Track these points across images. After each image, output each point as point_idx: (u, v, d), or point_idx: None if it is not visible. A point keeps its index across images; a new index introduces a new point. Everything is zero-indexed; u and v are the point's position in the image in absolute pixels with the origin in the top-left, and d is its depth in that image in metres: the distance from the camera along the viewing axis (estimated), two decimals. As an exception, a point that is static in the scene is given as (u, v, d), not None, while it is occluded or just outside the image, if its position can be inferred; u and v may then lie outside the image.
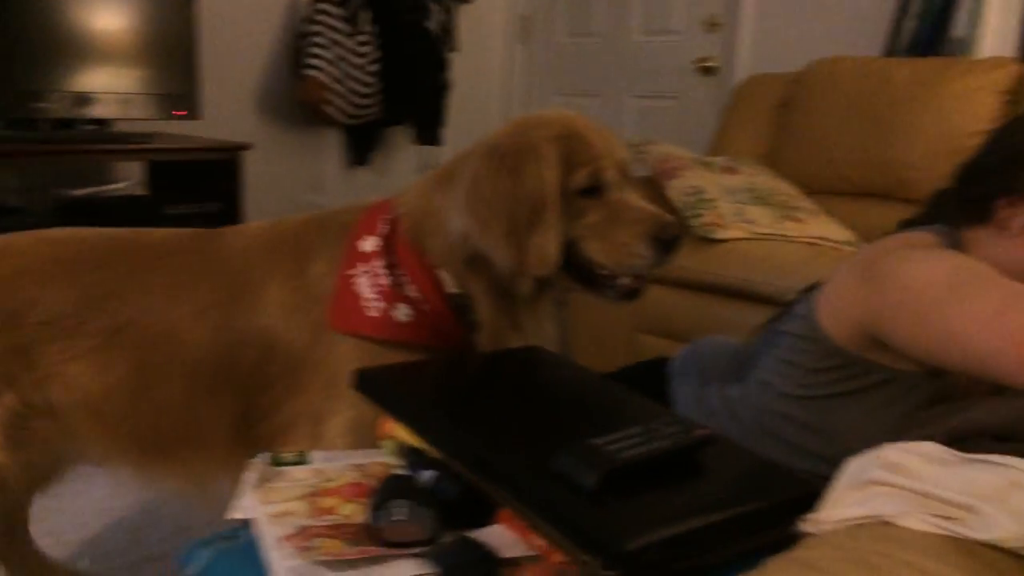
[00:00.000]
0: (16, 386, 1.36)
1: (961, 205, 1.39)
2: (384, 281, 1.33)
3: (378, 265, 1.34)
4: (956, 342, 1.16)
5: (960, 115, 2.72)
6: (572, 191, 1.32)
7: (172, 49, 2.99)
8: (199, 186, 2.95)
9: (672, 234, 1.32)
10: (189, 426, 1.40)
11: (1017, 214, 1.31)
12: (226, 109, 3.52)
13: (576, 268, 1.37)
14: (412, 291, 1.34)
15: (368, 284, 1.33)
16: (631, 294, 1.38)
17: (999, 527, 0.82)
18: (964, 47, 3.01)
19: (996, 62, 2.78)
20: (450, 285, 1.36)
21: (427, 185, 1.41)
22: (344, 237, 1.39)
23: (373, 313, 1.32)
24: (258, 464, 1.13)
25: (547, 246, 1.29)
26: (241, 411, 1.39)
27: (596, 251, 1.34)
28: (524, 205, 1.28)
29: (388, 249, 1.35)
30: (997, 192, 1.32)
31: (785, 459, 1.36)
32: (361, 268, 1.34)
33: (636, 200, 1.37)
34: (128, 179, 3.25)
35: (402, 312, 1.33)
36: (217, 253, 1.43)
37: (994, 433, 1.12)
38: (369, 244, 1.36)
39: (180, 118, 3.01)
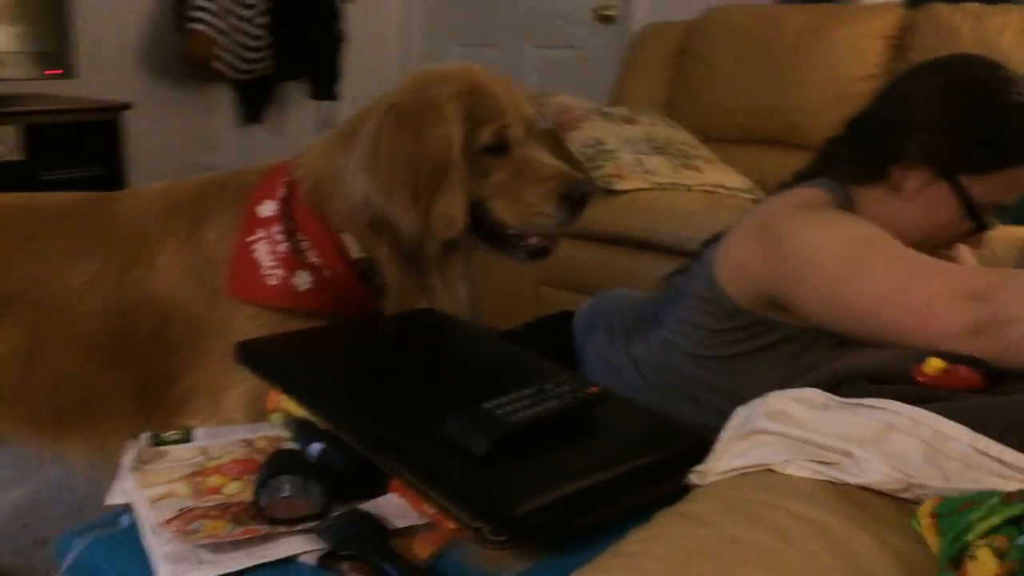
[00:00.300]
0: None
1: (853, 163, 1.41)
2: (283, 248, 1.28)
3: (276, 230, 1.29)
4: (862, 319, 1.19)
5: (849, 61, 2.78)
6: (477, 149, 1.28)
7: (42, 3, 2.80)
8: (78, 150, 2.80)
9: (581, 191, 1.29)
10: (88, 397, 1.35)
11: (909, 178, 1.33)
12: (104, 67, 3.34)
13: (483, 228, 1.33)
14: (313, 257, 1.29)
15: (267, 251, 1.29)
16: (540, 253, 1.35)
17: (874, 471, 0.84)
18: (852, -7, 3.08)
19: (882, 7, 2.84)
20: (354, 249, 1.31)
21: (327, 145, 1.35)
22: (243, 200, 1.33)
23: (272, 281, 1.28)
24: (138, 445, 1.08)
25: (453, 208, 1.25)
26: (142, 381, 1.35)
27: (504, 211, 1.30)
28: (427, 166, 1.24)
29: (286, 214, 1.30)
30: (891, 158, 1.34)
31: (694, 417, 1.37)
32: (260, 234, 1.30)
33: (543, 157, 1.33)
34: (1, 144, 3.07)
35: (303, 279, 1.29)
36: (111, 218, 1.36)
37: (870, 375, 1.15)
38: (267, 208, 1.31)
39: (54, 77, 2.84)
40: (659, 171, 2.70)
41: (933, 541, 0.72)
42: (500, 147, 1.30)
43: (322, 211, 1.31)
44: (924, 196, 1.33)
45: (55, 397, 1.35)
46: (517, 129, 1.31)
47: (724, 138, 3.05)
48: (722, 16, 3.10)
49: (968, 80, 1.33)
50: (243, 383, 1.27)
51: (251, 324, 1.28)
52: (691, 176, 2.71)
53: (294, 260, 1.28)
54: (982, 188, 1.31)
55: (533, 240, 1.33)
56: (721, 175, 2.77)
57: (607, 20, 3.86)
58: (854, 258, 1.20)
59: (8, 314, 1.31)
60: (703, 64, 3.11)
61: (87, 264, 1.33)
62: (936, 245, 1.39)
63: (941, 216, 1.34)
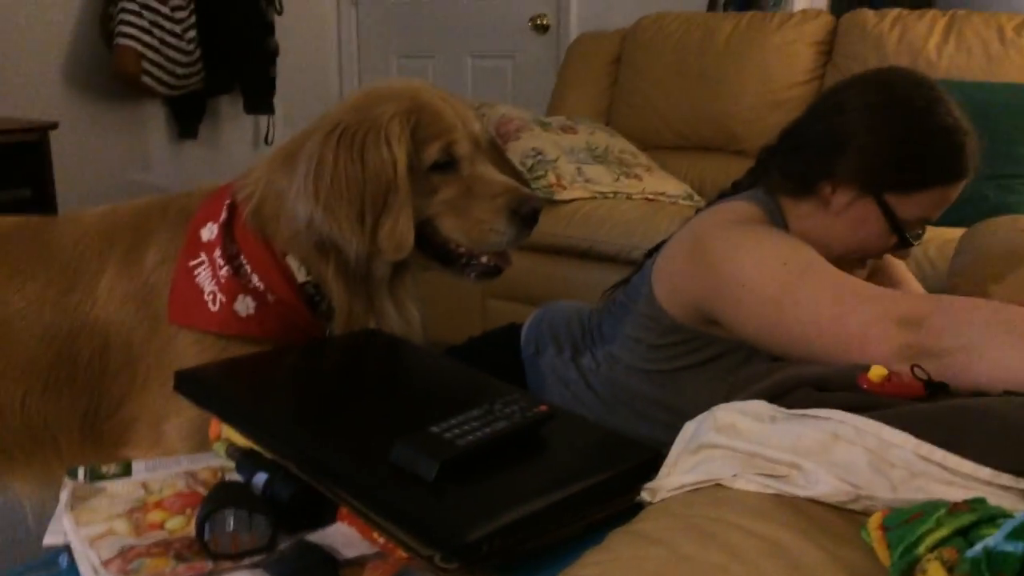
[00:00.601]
0: None
1: (784, 176, 1.42)
2: (224, 272, 1.25)
3: (218, 255, 1.26)
4: (797, 344, 1.20)
5: (780, 67, 2.84)
6: (423, 168, 1.26)
7: (-41, 19, 2.71)
8: (4, 171, 2.70)
9: (531, 207, 1.27)
10: (31, 426, 1.31)
11: (837, 194, 1.35)
12: (27, 85, 3.23)
13: (433, 248, 1.31)
14: (256, 281, 1.26)
15: (208, 275, 1.25)
16: (491, 272, 1.32)
17: (823, 483, 0.85)
18: (780, 1, 3.14)
19: (809, 14, 2.90)
20: (300, 273, 1.28)
21: (270, 167, 1.31)
22: (184, 223, 1.30)
23: (213, 307, 1.24)
24: (73, 482, 1.04)
25: (400, 229, 1.23)
26: (87, 408, 1.31)
27: (453, 229, 1.28)
28: (372, 188, 1.21)
29: (229, 236, 1.27)
30: (820, 175, 1.36)
31: (644, 431, 1.39)
32: (201, 258, 1.27)
33: (492, 173, 1.31)
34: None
35: (245, 305, 1.25)
36: (50, 241, 1.33)
37: (816, 384, 1.16)
38: (209, 232, 1.28)
39: (-25, 96, 2.75)
40: (599, 180, 2.71)
41: (883, 554, 0.73)
42: (448, 164, 1.28)
43: (265, 234, 1.28)
44: (851, 212, 1.35)
45: None
46: (464, 146, 1.29)
47: (662, 145, 3.08)
48: (655, 24, 3.13)
49: (896, 99, 1.35)
50: (185, 411, 1.23)
51: (193, 350, 1.25)
52: (631, 184, 2.73)
53: (236, 285, 1.25)
54: (908, 206, 1.34)
55: (484, 259, 1.31)
56: (661, 183, 2.79)
57: (543, 29, 3.87)
58: (786, 284, 1.21)
59: None
60: (638, 72, 3.14)
61: (26, 288, 1.29)
62: (863, 257, 1.42)
63: (868, 231, 1.36)
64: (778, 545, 0.79)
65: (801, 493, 0.87)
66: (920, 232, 1.41)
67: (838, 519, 0.84)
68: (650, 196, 2.72)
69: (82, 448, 1.32)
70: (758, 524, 0.82)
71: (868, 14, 2.77)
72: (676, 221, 2.42)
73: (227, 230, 1.27)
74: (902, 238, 1.37)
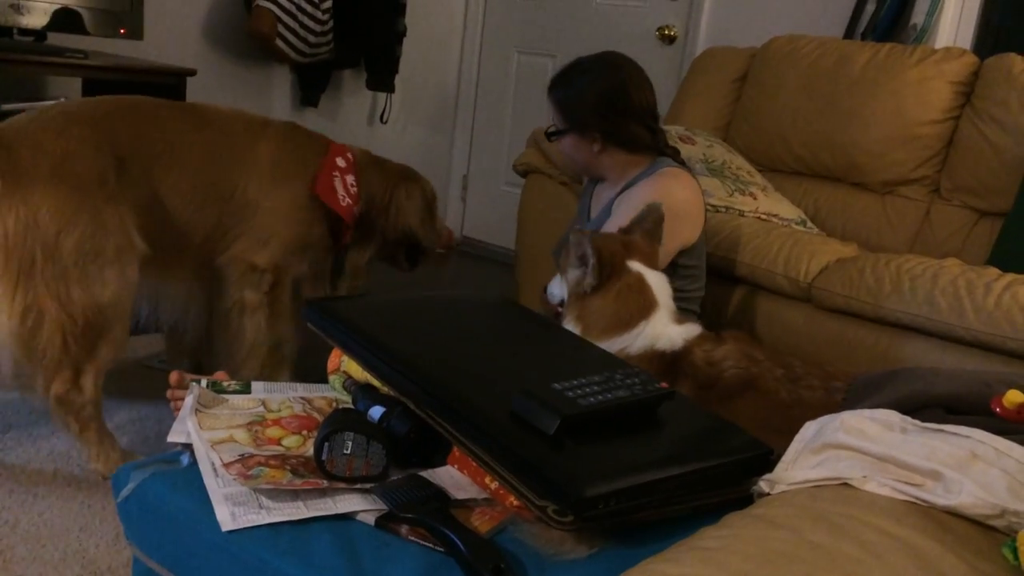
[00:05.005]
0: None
1: None
2: (354, 189, 2.05)
3: (350, 178, 2.05)
4: None
5: (914, 103, 2.74)
6: None
7: (116, -37, 2.81)
8: (138, 110, 2.81)
9: None
10: (185, 233, 1.88)
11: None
12: (168, 32, 3.35)
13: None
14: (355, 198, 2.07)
15: (340, 184, 2.02)
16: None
17: (966, 493, 0.81)
18: (922, 35, 3.04)
19: (952, 52, 2.80)
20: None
21: (368, 157, 2.21)
22: (322, 144, 2.09)
23: (342, 202, 2.02)
24: (198, 388, 1.07)
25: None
26: (214, 222, 1.90)
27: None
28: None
29: (355, 171, 2.07)
30: None
31: None
32: (338, 174, 2.02)
33: None
34: (62, 97, 3.08)
35: (352, 208, 2.05)
36: (217, 112, 2.02)
37: (945, 405, 1.12)
38: (342, 161, 2.06)
39: (120, 37, 2.85)
40: (713, 193, 2.67)
41: (1034, 568, 0.69)
42: None
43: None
44: None
45: (162, 232, 1.81)
46: None
47: (778, 168, 3.01)
48: (788, 45, 3.07)
49: None
50: (284, 234, 1.97)
51: (301, 207, 1.99)
52: (745, 202, 2.68)
53: (353, 195, 2.05)
54: None
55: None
56: (775, 205, 2.74)
57: (669, 40, 3.84)
58: None
59: (156, 166, 1.80)
60: (764, 92, 3.08)
61: (201, 136, 1.90)
62: None
63: None
64: (914, 547, 0.75)
65: (939, 502, 0.83)
66: None
67: (976, 533, 0.80)
68: (763, 216, 2.66)
69: (200, 253, 1.91)
70: (892, 525, 0.79)
71: (1015, 59, 2.66)
72: (788, 242, 2.38)
73: (353, 167, 2.07)
74: None
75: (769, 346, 2.31)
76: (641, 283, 1.45)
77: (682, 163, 2.04)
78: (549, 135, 2.03)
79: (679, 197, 1.89)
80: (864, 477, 0.89)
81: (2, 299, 1.57)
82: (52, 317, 1.59)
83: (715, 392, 1.31)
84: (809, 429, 1.03)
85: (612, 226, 1.87)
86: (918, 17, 3.06)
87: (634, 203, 1.89)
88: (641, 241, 1.55)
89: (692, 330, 1.44)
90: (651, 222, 1.58)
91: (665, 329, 1.42)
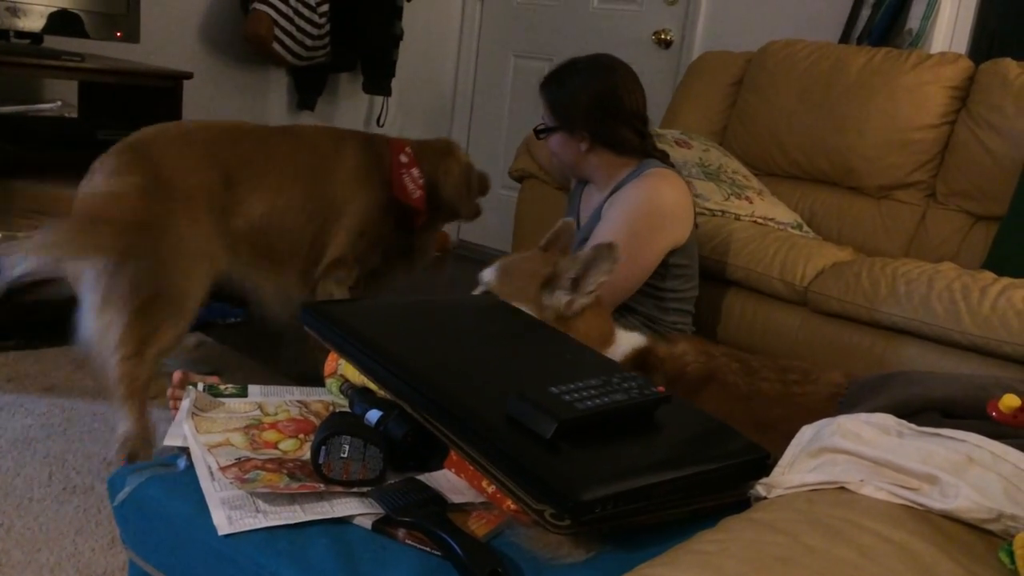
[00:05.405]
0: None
1: None
2: (421, 181, 2.31)
3: (415, 171, 2.32)
4: None
5: (909, 108, 2.75)
6: None
7: (113, -34, 2.81)
8: (134, 113, 2.80)
9: None
10: (295, 242, 2.16)
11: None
12: (165, 36, 3.35)
13: None
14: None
15: (409, 179, 2.30)
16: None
17: (963, 497, 0.81)
18: (917, 39, 3.05)
19: (948, 57, 2.81)
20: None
21: (415, 145, 2.39)
22: (383, 146, 2.35)
23: (414, 195, 2.31)
24: (195, 392, 1.07)
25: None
26: (315, 231, 2.18)
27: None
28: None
29: (418, 164, 2.33)
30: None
31: None
32: (403, 170, 2.31)
33: None
34: (58, 100, 3.07)
35: (421, 197, 2.33)
36: (305, 140, 2.27)
37: (942, 408, 1.12)
38: (404, 157, 2.33)
39: (117, 40, 2.85)
40: (709, 197, 2.68)
41: (1031, 572, 0.69)
42: None
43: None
44: None
45: (278, 241, 2.11)
46: None
47: (775, 172, 3.02)
48: (784, 49, 3.07)
49: None
50: (366, 233, 2.28)
51: (379, 207, 2.28)
52: (741, 206, 2.69)
53: (421, 187, 2.31)
54: None
55: None
56: (771, 209, 2.74)
57: (665, 44, 3.85)
58: None
59: (265, 184, 2.07)
60: (760, 96, 3.09)
61: (295, 154, 2.19)
62: None
63: None
64: (910, 551, 0.76)
65: (935, 506, 0.83)
66: None
67: (972, 537, 0.81)
68: (759, 220, 2.67)
69: (304, 263, 2.18)
70: (889, 529, 0.79)
71: (1010, 64, 2.67)
72: (784, 246, 2.38)
73: (415, 160, 2.33)
74: None
75: (762, 350, 2.32)
76: (597, 298, 1.43)
77: (671, 166, 2.05)
78: (538, 132, 2.04)
79: (668, 197, 1.90)
80: (861, 481, 0.89)
81: (103, 273, 1.80)
82: (144, 295, 1.80)
83: (681, 385, 1.30)
84: (806, 433, 1.03)
85: (603, 231, 1.87)
86: (913, 22, 3.06)
87: (624, 205, 1.90)
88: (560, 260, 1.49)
89: (641, 336, 1.45)
90: (565, 242, 1.55)
91: (629, 335, 1.43)
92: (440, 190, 2.37)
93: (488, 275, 1.46)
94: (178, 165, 1.92)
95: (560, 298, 1.37)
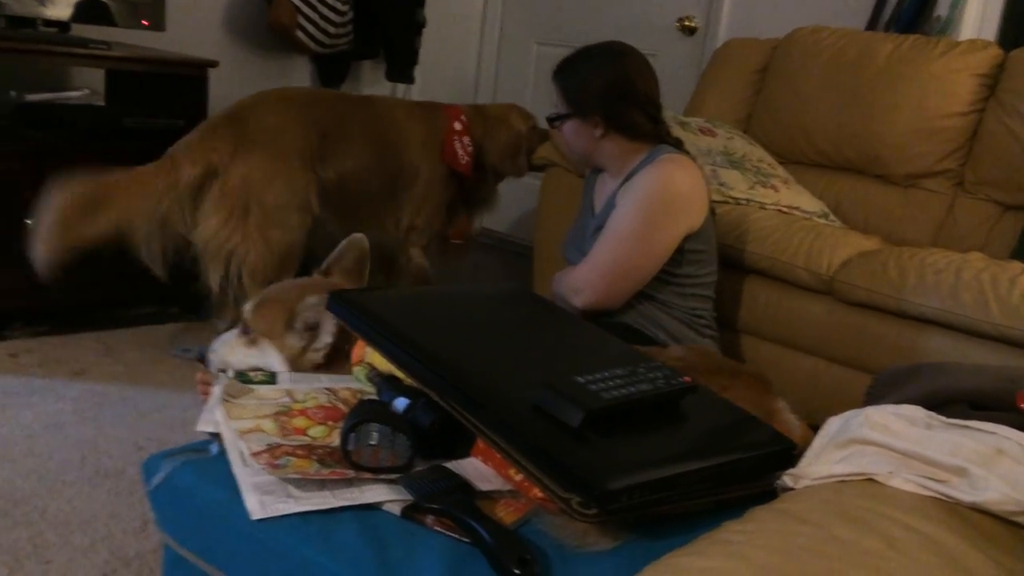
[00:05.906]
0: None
1: None
2: (470, 148, 2.57)
3: (466, 139, 2.58)
4: None
5: (937, 96, 2.72)
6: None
7: (139, -45, 2.84)
8: (161, 101, 2.82)
9: None
10: (374, 197, 2.51)
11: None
12: (191, 24, 3.37)
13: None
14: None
15: (460, 146, 2.56)
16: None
17: (992, 490, 0.81)
18: (946, 26, 3.01)
19: (977, 44, 2.77)
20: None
21: (472, 110, 2.73)
22: (442, 114, 2.64)
23: (462, 161, 2.58)
24: (227, 379, 1.08)
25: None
26: (389, 187, 2.52)
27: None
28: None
29: (469, 132, 2.60)
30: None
31: None
32: (456, 137, 2.57)
33: None
34: (85, 88, 3.10)
35: (469, 166, 2.60)
36: (381, 112, 2.60)
37: (970, 400, 1.12)
38: (459, 124, 2.59)
39: (143, 28, 2.87)
40: (734, 186, 2.66)
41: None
42: None
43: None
44: None
45: (361, 199, 2.47)
46: None
47: (800, 160, 2.99)
48: (810, 36, 3.04)
49: None
50: (434, 197, 2.64)
51: (444, 174, 2.61)
52: (766, 194, 2.67)
53: (471, 154, 2.57)
54: None
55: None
56: (797, 197, 2.72)
57: (689, 31, 3.82)
58: None
59: (353, 144, 2.41)
60: (786, 83, 3.06)
61: (374, 121, 2.51)
62: None
63: None
64: (938, 543, 0.76)
65: (965, 499, 0.83)
66: None
67: (1002, 529, 0.81)
68: (784, 208, 2.65)
69: (382, 213, 2.56)
70: (917, 521, 0.79)
71: (1041, 51, 2.64)
72: (810, 235, 2.37)
73: (467, 128, 2.61)
74: None
75: (786, 340, 2.31)
76: None
77: (685, 152, 2.04)
78: (551, 120, 2.04)
79: (682, 183, 1.90)
80: (889, 473, 0.89)
81: (220, 229, 2.15)
82: (256, 248, 2.16)
83: None
84: (833, 424, 1.03)
85: (617, 218, 1.87)
86: (942, 9, 3.02)
87: (638, 192, 1.90)
88: (342, 283, 1.37)
89: None
90: (351, 260, 1.43)
91: None
92: (484, 153, 2.65)
93: (247, 307, 1.32)
94: (279, 123, 2.26)
95: (294, 343, 1.24)
